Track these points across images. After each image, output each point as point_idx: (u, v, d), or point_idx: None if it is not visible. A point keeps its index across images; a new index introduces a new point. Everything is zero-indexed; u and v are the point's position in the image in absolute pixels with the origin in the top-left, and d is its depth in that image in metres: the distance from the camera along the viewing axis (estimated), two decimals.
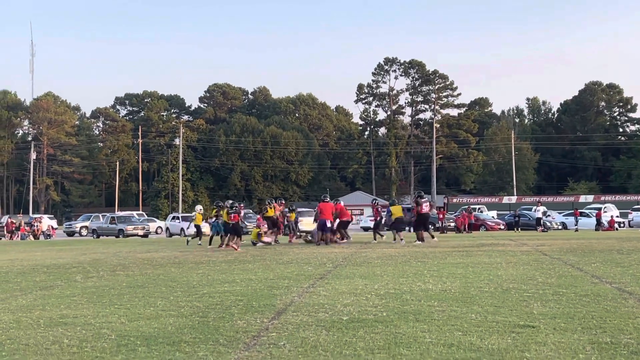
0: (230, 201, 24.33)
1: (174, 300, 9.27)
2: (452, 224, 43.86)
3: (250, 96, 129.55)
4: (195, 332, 6.83)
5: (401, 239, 23.52)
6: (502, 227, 45.36)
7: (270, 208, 26.03)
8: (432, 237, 24.10)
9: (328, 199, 24.92)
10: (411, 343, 6.09)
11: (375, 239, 25.75)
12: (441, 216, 41.32)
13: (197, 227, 28.46)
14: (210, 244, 24.36)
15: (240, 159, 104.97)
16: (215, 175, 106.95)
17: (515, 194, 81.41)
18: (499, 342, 6.07)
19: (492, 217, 50.29)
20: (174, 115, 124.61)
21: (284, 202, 27.32)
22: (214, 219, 24.74)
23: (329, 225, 23.89)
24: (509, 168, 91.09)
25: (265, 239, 24.96)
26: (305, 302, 8.79)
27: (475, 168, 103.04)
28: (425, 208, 23.47)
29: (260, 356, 5.69)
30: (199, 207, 29.28)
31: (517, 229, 40.35)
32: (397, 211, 24.63)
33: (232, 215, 23.03)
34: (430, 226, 30.04)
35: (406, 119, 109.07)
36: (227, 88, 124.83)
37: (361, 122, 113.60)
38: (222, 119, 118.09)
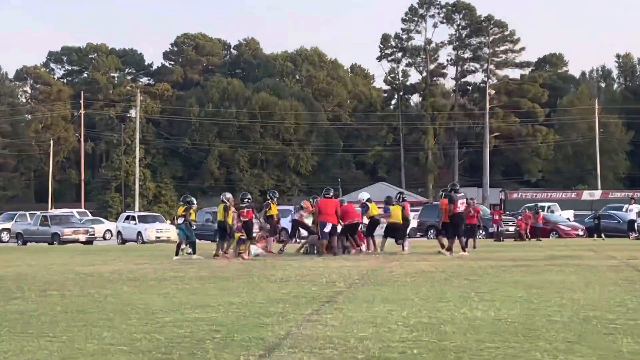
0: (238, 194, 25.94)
1: (126, 330, 9.23)
2: (512, 228, 43.85)
3: (233, 51, 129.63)
4: None
5: (378, 249, 25.20)
6: (581, 232, 45.30)
7: (274, 204, 26.17)
8: (464, 249, 23.97)
9: (332, 194, 25.30)
10: None
11: (404, 249, 25.99)
12: (497, 217, 41.36)
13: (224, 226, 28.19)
14: (177, 254, 24.47)
15: (220, 137, 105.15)
16: (185, 160, 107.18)
17: (599, 187, 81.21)
18: None
19: (567, 219, 50.34)
20: (128, 78, 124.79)
21: (277, 197, 27.41)
22: (181, 220, 24.77)
23: (329, 229, 24.32)
24: (592, 152, 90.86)
25: (256, 248, 25.06)
26: (306, 334, 8.74)
27: (543, 151, 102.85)
28: (461, 206, 23.79)
29: None
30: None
31: (600, 236, 40.33)
32: (395, 215, 25.71)
33: (246, 210, 23.92)
34: (477, 232, 30.27)
35: (449, 83, 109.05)
36: (202, 40, 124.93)
37: (386, 88, 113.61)
38: (195, 83, 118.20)
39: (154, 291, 13.88)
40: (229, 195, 24.54)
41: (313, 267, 19.28)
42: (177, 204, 26.76)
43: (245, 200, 24.41)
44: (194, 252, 24.60)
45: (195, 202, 25.33)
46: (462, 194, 24.68)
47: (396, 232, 26.09)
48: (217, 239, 25.04)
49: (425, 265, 19.13)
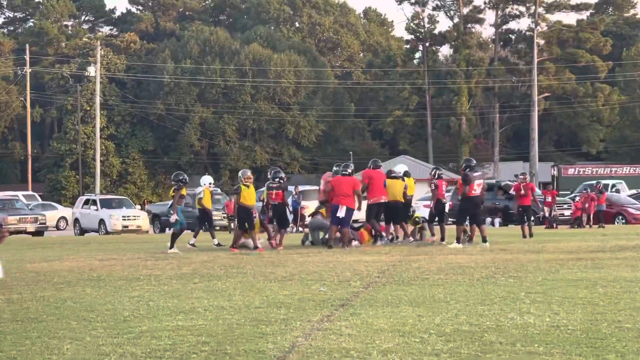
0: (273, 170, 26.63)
1: (92, 343, 9.28)
2: (567, 212, 43.91)
3: None
4: None
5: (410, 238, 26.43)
6: None
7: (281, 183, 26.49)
8: (485, 240, 24.59)
9: (350, 170, 25.51)
10: None
11: (433, 237, 26.22)
12: (549, 199, 41.42)
13: (204, 213, 28.87)
14: (172, 247, 24.80)
15: (201, 100, 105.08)
16: (157, 129, 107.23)
17: None
18: None
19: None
20: (85, 27, 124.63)
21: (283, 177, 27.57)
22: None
23: (343, 214, 24.57)
24: None
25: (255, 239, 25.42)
26: (316, 346, 8.80)
27: (606, 116, 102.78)
28: (477, 188, 24.60)
29: None
30: (207, 180, 29.48)
31: None
32: (392, 191, 26.21)
33: (275, 192, 25.21)
34: (531, 216, 30.78)
35: (487, 31, 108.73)
36: None
37: (408, 37, 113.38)
38: (169, 32, 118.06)
39: (124, 294, 13.91)
40: (249, 173, 25.12)
41: (321, 262, 19.40)
42: (168, 185, 27.03)
43: (277, 179, 25.47)
44: (172, 246, 24.78)
45: (187, 180, 25.72)
46: (479, 172, 25.67)
47: (389, 213, 26.42)
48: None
49: (461, 259, 19.25)
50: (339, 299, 12.57)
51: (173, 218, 25.06)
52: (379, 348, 8.63)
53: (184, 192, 25.28)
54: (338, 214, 24.49)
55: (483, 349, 8.50)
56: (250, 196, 24.52)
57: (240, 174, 25.27)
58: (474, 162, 26.54)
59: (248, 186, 24.55)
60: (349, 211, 24.60)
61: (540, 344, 8.68)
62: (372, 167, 26.47)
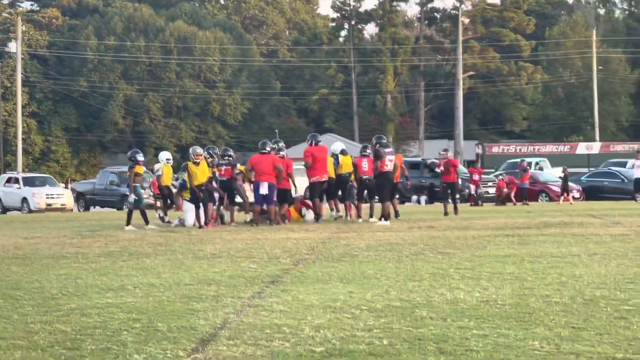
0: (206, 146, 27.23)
1: (19, 321, 9.18)
2: (492, 190, 44.37)
3: None
4: None
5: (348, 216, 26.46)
6: (577, 194, 45.99)
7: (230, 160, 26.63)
8: (385, 217, 25.01)
9: (269, 148, 25.66)
10: None
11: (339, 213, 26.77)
12: (476, 177, 41.80)
13: (163, 190, 28.71)
14: (147, 222, 25.33)
15: (125, 78, 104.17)
16: (80, 107, 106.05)
17: (597, 138, 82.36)
18: None
19: (559, 177, 50.91)
20: (6, 2, 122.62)
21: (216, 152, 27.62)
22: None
23: (266, 190, 24.84)
24: (588, 95, 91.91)
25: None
26: (248, 323, 8.80)
27: (530, 94, 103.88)
28: (389, 164, 24.90)
29: None
30: (165, 156, 29.27)
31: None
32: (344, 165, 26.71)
33: (224, 168, 25.83)
34: (456, 192, 31.05)
35: (412, 10, 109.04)
36: None
37: (334, 15, 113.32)
38: (92, 9, 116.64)
39: (51, 272, 13.82)
40: (199, 150, 24.92)
41: (250, 239, 19.44)
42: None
43: (226, 156, 26.19)
44: (129, 223, 25.05)
45: (142, 157, 25.69)
46: (390, 149, 25.75)
47: (336, 188, 26.79)
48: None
49: (390, 236, 19.36)
50: (269, 275, 12.59)
51: (132, 197, 25.05)
52: (310, 324, 8.62)
53: (139, 169, 25.18)
54: (261, 191, 24.62)
55: (415, 324, 8.53)
56: (200, 174, 24.29)
57: (190, 151, 25.05)
58: (385, 138, 27.06)
59: (198, 163, 24.31)
60: (272, 187, 24.66)
61: (470, 319, 8.73)
62: (314, 143, 26.49)
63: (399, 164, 27.31)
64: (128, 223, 24.97)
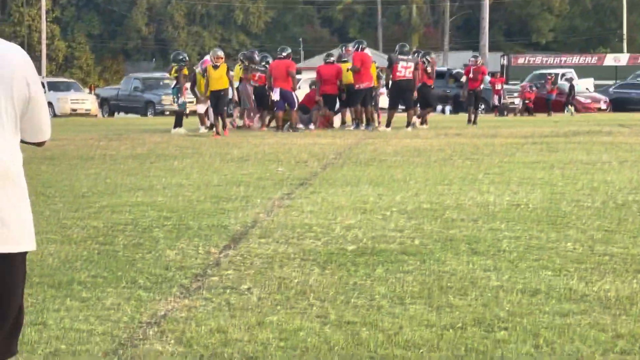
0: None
1: (52, 217, 9.29)
2: (517, 101, 44.16)
3: None
4: (95, 268, 6.86)
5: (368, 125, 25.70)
6: (604, 106, 45.79)
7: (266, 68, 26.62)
8: (412, 124, 25.16)
9: (286, 54, 25.93)
10: (467, 289, 6.15)
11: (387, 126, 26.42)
12: (499, 87, 41.58)
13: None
14: (178, 125, 25.25)
15: None
16: (104, 13, 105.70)
17: (625, 50, 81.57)
18: (616, 288, 6.15)
19: (587, 89, 50.70)
20: None
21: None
22: (174, 83, 25.77)
23: (277, 97, 24.83)
24: (616, 5, 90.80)
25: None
26: (278, 222, 8.88)
27: (557, 5, 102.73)
28: (403, 70, 24.57)
29: (210, 307, 5.70)
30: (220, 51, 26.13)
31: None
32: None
33: (259, 74, 25.79)
34: (480, 101, 30.92)
35: None
36: None
37: None
38: None
39: (80, 171, 13.98)
40: (220, 52, 24.46)
41: (276, 144, 19.52)
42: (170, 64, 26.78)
43: (263, 63, 26.24)
44: (179, 125, 25.05)
45: (187, 59, 25.91)
46: (409, 56, 25.32)
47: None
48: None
49: (417, 143, 19.40)
50: (298, 178, 12.67)
51: (181, 99, 25.07)
52: (341, 224, 8.69)
53: (185, 71, 25.08)
54: (273, 97, 24.61)
55: (445, 226, 8.58)
56: (218, 78, 23.60)
57: (210, 53, 24.76)
58: (407, 46, 26.77)
59: (217, 67, 23.59)
60: (286, 94, 24.53)
61: (501, 221, 8.78)
62: (360, 49, 26.08)
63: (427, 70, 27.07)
64: (178, 125, 24.98)
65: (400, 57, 24.62)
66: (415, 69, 24.95)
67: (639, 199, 10.17)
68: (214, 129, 23.61)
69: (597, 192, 10.84)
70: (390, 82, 25.40)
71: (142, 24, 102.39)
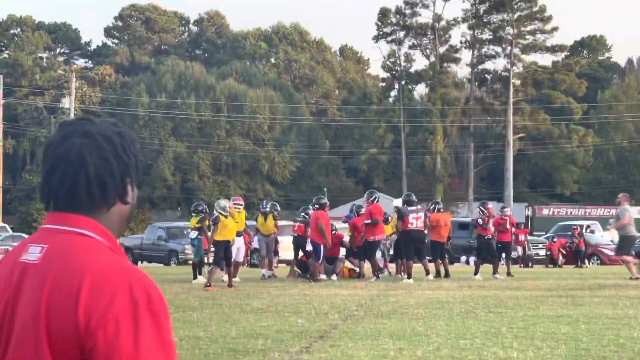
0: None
1: None
2: (542, 252, 44.02)
3: (192, 27, 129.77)
4: None
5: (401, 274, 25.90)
6: (632, 258, 45.44)
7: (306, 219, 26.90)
8: (429, 272, 25.59)
9: (317, 206, 25.77)
10: None
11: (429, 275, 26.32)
12: (522, 237, 41.48)
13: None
14: (196, 276, 25.36)
15: (175, 135, 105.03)
16: None
17: None
18: None
19: (611, 241, 50.40)
20: (61, 59, 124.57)
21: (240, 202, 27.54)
22: (194, 234, 26.02)
23: (310, 248, 25.22)
24: (639, 158, 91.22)
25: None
26: None
27: (580, 157, 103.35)
28: (415, 222, 24.91)
29: None
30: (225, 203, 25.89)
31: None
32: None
33: (297, 225, 26.85)
34: (510, 252, 30.75)
35: (462, 71, 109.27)
36: (153, 13, 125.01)
37: (384, 75, 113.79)
38: (145, 66, 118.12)
39: None
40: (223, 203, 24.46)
41: (297, 295, 19.46)
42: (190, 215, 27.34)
43: (303, 214, 26.98)
44: (199, 274, 25.34)
45: (207, 210, 26.31)
46: (417, 207, 25.62)
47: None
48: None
49: (439, 295, 19.24)
50: (317, 330, 12.53)
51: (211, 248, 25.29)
52: None
53: (207, 222, 25.52)
54: (307, 248, 25.00)
55: None
56: (226, 227, 23.41)
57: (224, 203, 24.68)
58: (413, 196, 26.82)
59: (226, 216, 23.57)
60: (314, 244, 24.62)
61: None
62: (375, 201, 26.30)
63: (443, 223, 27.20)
64: (196, 275, 25.35)
65: (409, 209, 24.78)
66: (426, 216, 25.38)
67: None
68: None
69: (623, 348, 10.64)
70: (400, 233, 25.60)
71: (168, 173, 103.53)
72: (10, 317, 2.42)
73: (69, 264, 2.41)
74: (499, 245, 30.10)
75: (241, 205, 26.02)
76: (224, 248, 23.23)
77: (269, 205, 28.05)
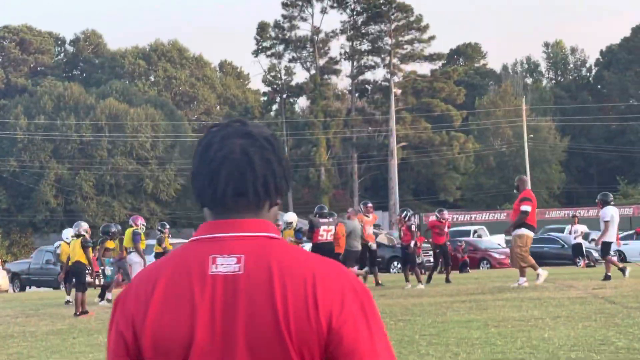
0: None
1: None
2: (431, 258, 44.42)
3: (69, 47, 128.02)
4: None
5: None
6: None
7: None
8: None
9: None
10: None
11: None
12: (418, 244, 41.84)
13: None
14: (103, 298, 24.93)
15: (56, 157, 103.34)
16: (11, 186, 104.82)
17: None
18: None
19: (498, 244, 51.23)
20: None
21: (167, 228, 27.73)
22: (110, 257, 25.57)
23: None
24: (519, 163, 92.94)
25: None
26: None
27: (462, 164, 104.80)
28: (325, 234, 24.62)
29: None
30: (84, 226, 24.57)
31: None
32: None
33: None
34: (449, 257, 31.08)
35: (343, 82, 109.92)
36: (28, 34, 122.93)
37: (265, 89, 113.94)
38: (21, 89, 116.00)
39: (1, 352, 13.48)
40: (85, 226, 23.86)
41: None
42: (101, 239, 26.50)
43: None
44: (103, 298, 24.82)
45: (113, 232, 25.83)
46: (329, 219, 25.29)
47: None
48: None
49: None
50: None
51: (107, 270, 24.94)
52: None
53: (109, 244, 25.20)
54: None
55: None
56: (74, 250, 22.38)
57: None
58: (326, 208, 26.85)
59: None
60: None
61: None
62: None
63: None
64: (102, 297, 24.88)
65: (321, 220, 24.71)
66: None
67: (583, 357, 10.08)
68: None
69: (538, 350, 10.77)
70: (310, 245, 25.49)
71: (50, 196, 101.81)
72: (226, 329, 2.45)
73: (289, 270, 2.51)
74: (437, 251, 30.39)
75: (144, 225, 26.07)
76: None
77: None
